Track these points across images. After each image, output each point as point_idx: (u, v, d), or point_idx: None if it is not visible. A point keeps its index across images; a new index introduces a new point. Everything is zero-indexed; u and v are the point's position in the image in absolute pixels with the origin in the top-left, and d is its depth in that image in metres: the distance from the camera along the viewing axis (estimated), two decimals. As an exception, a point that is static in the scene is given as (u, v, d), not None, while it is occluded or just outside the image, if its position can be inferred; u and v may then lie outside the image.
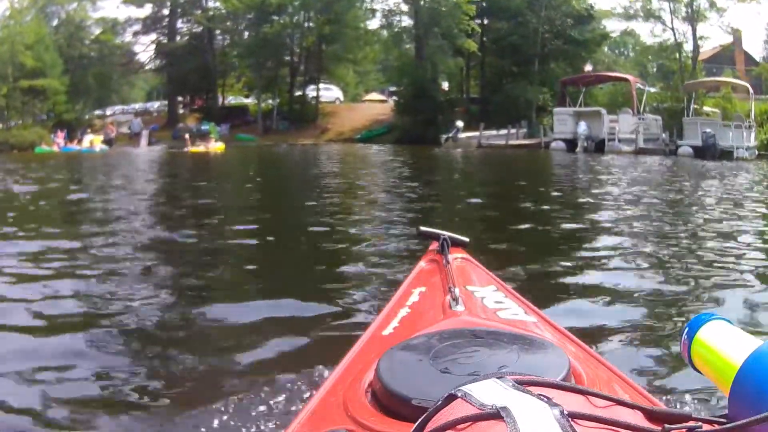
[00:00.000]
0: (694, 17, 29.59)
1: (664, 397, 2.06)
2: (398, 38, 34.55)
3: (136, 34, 36.28)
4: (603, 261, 4.57)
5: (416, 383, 0.90)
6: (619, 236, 5.77)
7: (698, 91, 24.79)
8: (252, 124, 34.17)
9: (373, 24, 35.40)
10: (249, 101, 37.08)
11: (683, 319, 3.02)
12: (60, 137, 26.83)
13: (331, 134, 32.52)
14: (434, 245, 1.70)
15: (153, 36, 36.58)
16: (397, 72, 33.82)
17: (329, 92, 37.04)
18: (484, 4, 32.46)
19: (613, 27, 35.41)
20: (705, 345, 0.76)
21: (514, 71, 30.96)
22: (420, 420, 0.61)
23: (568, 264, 4.47)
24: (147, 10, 35.47)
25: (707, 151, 19.83)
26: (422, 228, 1.79)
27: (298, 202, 8.80)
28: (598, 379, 1.00)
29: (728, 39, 32.24)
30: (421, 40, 31.70)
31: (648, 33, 38.91)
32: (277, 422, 1.93)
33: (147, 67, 38.38)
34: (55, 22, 33.78)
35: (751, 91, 22.52)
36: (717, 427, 0.60)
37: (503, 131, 26.22)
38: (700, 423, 0.63)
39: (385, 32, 35.25)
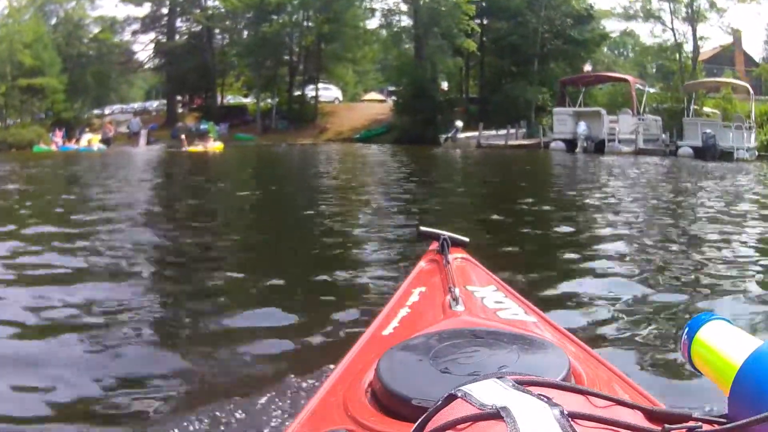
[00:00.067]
0: (694, 17, 29.60)
1: (664, 397, 2.06)
2: (397, 38, 34.55)
3: (134, 32, 36.31)
4: (603, 261, 4.57)
5: (416, 383, 0.90)
6: (619, 237, 5.77)
7: (698, 92, 24.78)
8: (251, 123, 34.14)
9: (373, 23, 35.49)
10: (248, 101, 37.07)
11: (683, 319, 3.02)
12: (58, 136, 26.81)
13: (330, 134, 32.51)
14: (434, 245, 1.70)
15: (152, 35, 36.64)
16: (397, 72, 33.80)
17: (328, 92, 37.04)
18: (483, 4, 32.45)
19: (613, 27, 35.49)
20: (705, 345, 0.76)
21: (513, 71, 30.95)
22: (420, 420, 0.61)
23: (568, 264, 4.47)
24: (146, 8, 35.51)
25: (707, 151, 19.81)
26: (422, 228, 1.79)
27: (297, 203, 8.80)
28: (598, 379, 1.00)
29: (728, 39, 32.26)
30: (420, 39, 31.70)
31: (648, 33, 39.02)
32: (277, 422, 1.93)
33: (146, 66, 38.37)
34: (53, 21, 33.80)
35: (751, 91, 22.52)
36: (717, 427, 0.60)
37: (502, 131, 26.20)
38: (700, 423, 0.63)
39: (384, 32, 35.26)
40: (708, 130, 20.51)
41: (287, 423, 1.05)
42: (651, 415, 0.65)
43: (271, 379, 2.25)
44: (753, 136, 21.46)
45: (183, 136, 25.39)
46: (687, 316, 3.02)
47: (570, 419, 0.54)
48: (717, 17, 29.86)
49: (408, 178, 12.74)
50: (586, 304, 3.38)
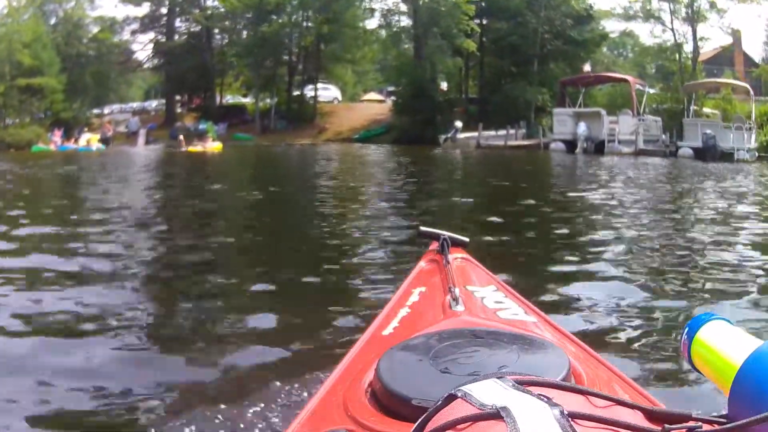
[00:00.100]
0: (694, 18, 29.63)
1: (664, 397, 2.06)
2: (397, 38, 34.56)
3: (134, 32, 36.38)
4: (603, 262, 4.57)
5: (416, 383, 0.90)
6: (619, 238, 5.77)
7: (698, 93, 24.78)
8: (250, 123, 34.15)
9: (372, 23, 35.52)
10: (247, 100, 37.08)
11: (683, 319, 3.02)
12: (57, 136, 26.82)
13: (329, 134, 32.51)
14: (434, 245, 1.70)
15: (151, 35, 36.71)
16: (396, 72, 33.81)
17: (327, 92, 37.05)
18: (483, 4, 32.45)
19: (613, 27, 35.51)
20: (705, 345, 0.76)
21: (513, 71, 30.94)
22: (420, 420, 0.61)
23: (568, 265, 4.47)
24: (145, 8, 35.59)
25: (707, 152, 19.80)
26: (422, 228, 1.79)
27: (296, 203, 8.80)
28: (598, 379, 1.00)
29: (728, 40, 32.28)
30: (419, 39, 31.70)
31: (647, 34, 39.02)
32: (278, 422, 1.93)
33: (145, 66, 38.42)
34: (52, 21, 33.84)
35: (751, 92, 22.51)
36: (717, 427, 0.60)
37: (502, 132, 26.21)
38: (700, 423, 0.63)
39: (383, 32, 35.28)
40: (708, 131, 20.51)
41: (287, 423, 1.05)
42: (651, 415, 0.65)
43: (271, 380, 2.25)
44: (753, 136, 21.44)
45: (182, 136, 25.41)
46: (687, 316, 3.03)
47: (570, 419, 0.54)
48: (717, 18, 29.97)
49: (407, 179, 12.74)
50: (586, 305, 3.38)
